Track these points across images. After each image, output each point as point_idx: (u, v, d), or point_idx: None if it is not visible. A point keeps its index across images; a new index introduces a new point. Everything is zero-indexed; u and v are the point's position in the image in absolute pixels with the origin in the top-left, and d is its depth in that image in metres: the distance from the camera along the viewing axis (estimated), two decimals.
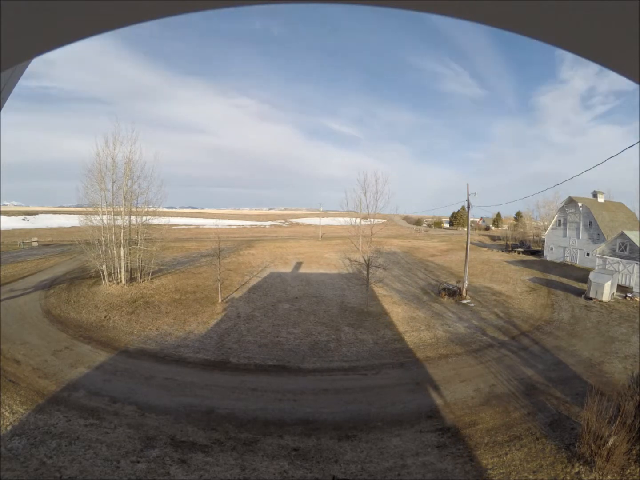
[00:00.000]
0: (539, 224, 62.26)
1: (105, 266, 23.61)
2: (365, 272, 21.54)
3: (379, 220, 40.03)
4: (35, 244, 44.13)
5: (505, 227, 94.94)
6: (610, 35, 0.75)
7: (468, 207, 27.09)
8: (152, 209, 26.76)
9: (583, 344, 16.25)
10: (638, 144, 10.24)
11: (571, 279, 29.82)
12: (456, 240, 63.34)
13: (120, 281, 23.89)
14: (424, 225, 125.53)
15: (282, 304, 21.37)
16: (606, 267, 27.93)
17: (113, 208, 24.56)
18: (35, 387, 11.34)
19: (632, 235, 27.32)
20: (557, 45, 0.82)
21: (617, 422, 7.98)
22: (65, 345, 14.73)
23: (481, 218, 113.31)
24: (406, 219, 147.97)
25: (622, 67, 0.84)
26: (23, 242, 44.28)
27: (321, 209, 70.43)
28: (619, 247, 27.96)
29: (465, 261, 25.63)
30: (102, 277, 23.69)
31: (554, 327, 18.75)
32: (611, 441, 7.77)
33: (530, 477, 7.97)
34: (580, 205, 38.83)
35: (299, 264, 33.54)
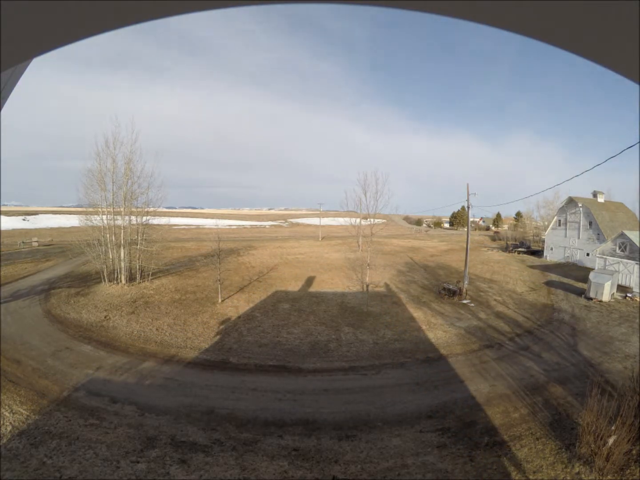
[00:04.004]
0: (539, 224, 62.30)
1: (105, 266, 23.61)
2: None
3: (379, 220, 40.05)
4: (35, 244, 44.12)
5: (506, 227, 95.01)
6: (610, 35, 0.75)
7: (468, 207, 27.10)
8: (152, 209, 26.74)
9: (583, 344, 16.24)
10: (638, 144, 10.24)
11: (571, 279, 29.82)
12: (456, 240, 63.35)
13: (120, 281, 23.89)
14: (424, 225, 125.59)
15: (282, 304, 21.36)
16: (606, 267, 27.92)
17: (113, 208, 24.55)
18: (35, 387, 11.34)
19: (632, 235, 27.31)
20: (557, 45, 0.82)
21: (617, 422, 7.98)
22: (65, 346, 14.73)
23: (481, 218, 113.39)
24: (406, 219, 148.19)
25: (622, 67, 0.84)
26: (23, 242, 44.30)
27: (321, 209, 70.43)
28: (619, 247, 27.96)
29: (465, 261, 25.63)
30: (102, 277, 23.69)
31: (554, 327, 18.75)
32: (611, 441, 7.76)
33: (531, 477, 7.98)
34: (580, 205, 38.86)
35: (299, 264, 33.51)
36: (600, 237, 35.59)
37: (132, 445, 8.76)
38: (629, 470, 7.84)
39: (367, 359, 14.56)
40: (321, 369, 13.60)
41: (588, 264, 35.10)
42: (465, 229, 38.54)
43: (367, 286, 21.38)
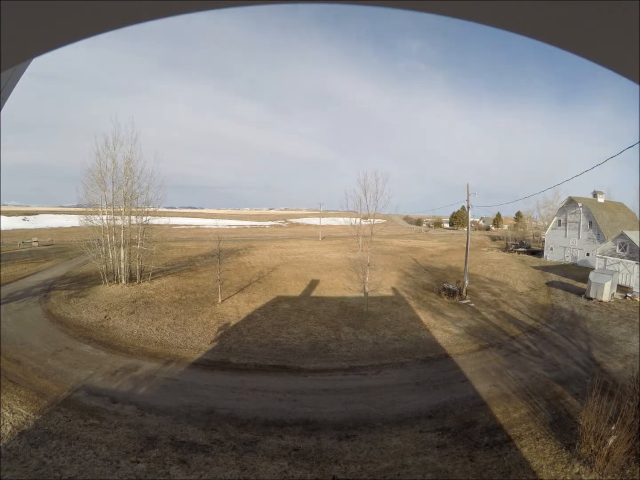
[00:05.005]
0: (539, 224, 62.34)
1: (105, 266, 23.61)
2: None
3: (379, 220, 40.03)
4: (35, 244, 44.12)
5: (506, 227, 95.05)
6: (610, 35, 0.75)
7: (468, 207, 27.09)
8: (152, 209, 26.74)
9: (583, 344, 16.25)
10: (638, 144, 10.24)
11: (571, 279, 29.82)
12: (456, 240, 63.35)
13: (120, 281, 23.89)
14: (424, 225, 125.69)
15: (282, 303, 21.37)
16: (606, 267, 27.92)
17: (113, 208, 24.56)
18: (35, 387, 11.34)
19: (632, 235, 27.32)
20: (557, 45, 0.82)
21: (617, 422, 7.98)
22: (65, 346, 14.73)
23: (481, 218, 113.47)
24: (406, 219, 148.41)
25: (622, 67, 0.84)
26: (23, 242, 44.30)
27: (321, 209, 70.43)
28: (619, 247, 27.96)
29: (465, 261, 25.63)
30: (102, 277, 23.69)
31: (554, 327, 18.76)
32: (611, 441, 7.77)
33: (531, 477, 7.98)
34: (580, 205, 38.86)
35: (299, 264, 33.50)
36: (600, 237, 35.59)
37: (132, 445, 8.76)
38: (629, 470, 7.85)
39: (367, 359, 14.56)
40: (321, 369, 13.60)
41: (588, 264, 35.11)
42: (465, 229, 38.61)
43: (367, 286, 21.38)
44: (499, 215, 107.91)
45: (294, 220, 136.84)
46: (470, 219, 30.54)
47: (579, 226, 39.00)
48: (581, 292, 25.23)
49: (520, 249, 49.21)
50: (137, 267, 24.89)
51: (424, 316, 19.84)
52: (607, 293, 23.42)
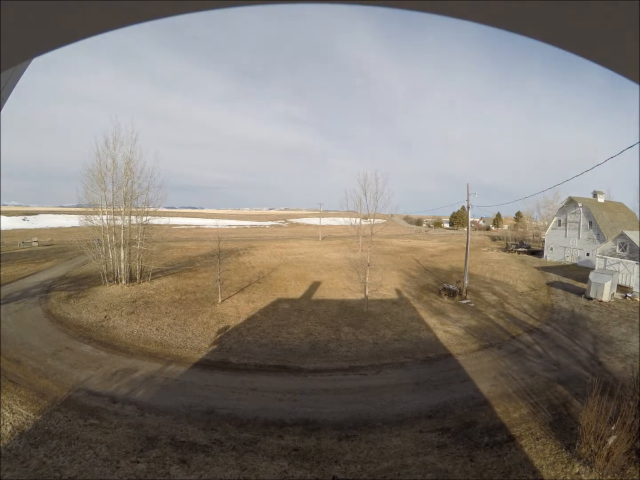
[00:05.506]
0: (539, 224, 62.37)
1: (105, 266, 23.61)
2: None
3: (379, 220, 40.04)
4: (35, 244, 44.14)
5: (506, 227, 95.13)
6: (610, 35, 0.75)
7: (468, 207, 27.10)
8: (152, 209, 26.75)
9: (583, 344, 16.25)
10: (638, 144, 10.24)
11: (571, 279, 29.82)
12: (456, 241, 63.35)
13: (120, 281, 23.89)
14: (424, 225, 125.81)
15: (282, 303, 21.37)
16: (606, 267, 27.92)
17: (113, 208, 24.56)
18: (35, 387, 11.34)
19: (632, 235, 27.32)
20: (557, 45, 0.82)
21: (617, 422, 7.98)
22: (65, 346, 14.73)
23: (481, 218, 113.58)
24: (406, 219, 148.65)
25: (622, 67, 0.84)
26: (23, 242, 44.33)
27: (321, 209, 70.44)
28: (619, 247, 27.96)
29: (465, 261, 25.63)
30: (102, 277, 23.70)
31: (554, 327, 18.76)
32: (611, 441, 7.77)
33: (530, 476, 7.98)
34: (580, 205, 38.86)
35: (299, 264, 33.51)
36: (600, 237, 35.60)
37: (132, 445, 8.76)
38: (628, 470, 7.85)
39: (367, 359, 14.56)
40: (321, 369, 13.61)
41: (588, 264, 35.11)
42: (465, 229, 38.74)
43: (367, 286, 21.39)
44: (499, 215, 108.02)
45: (294, 220, 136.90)
46: (470, 219, 30.55)
47: (579, 226, 39.00)
48: (581, 292, 25.24)
49: (520, 249, 49.21)
50: (137, 267, 24.89)
51: (424, 316, 19.84)
52: (607, 293, 23.43)
